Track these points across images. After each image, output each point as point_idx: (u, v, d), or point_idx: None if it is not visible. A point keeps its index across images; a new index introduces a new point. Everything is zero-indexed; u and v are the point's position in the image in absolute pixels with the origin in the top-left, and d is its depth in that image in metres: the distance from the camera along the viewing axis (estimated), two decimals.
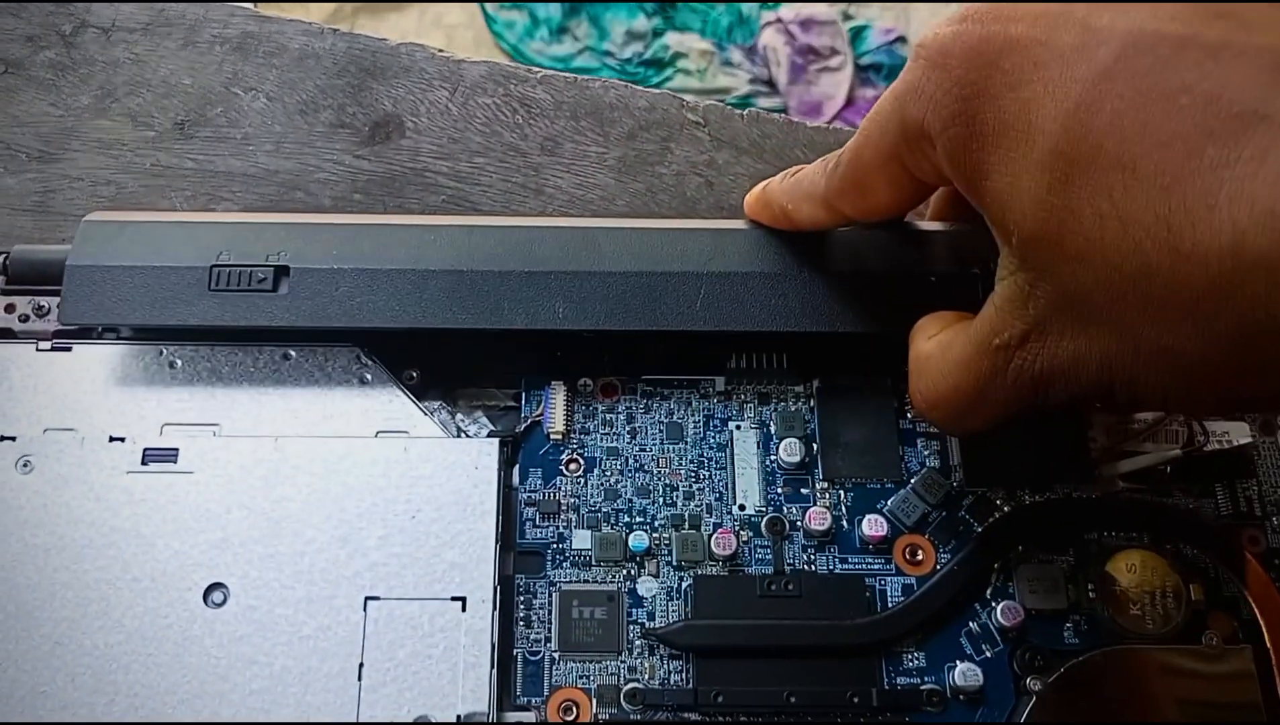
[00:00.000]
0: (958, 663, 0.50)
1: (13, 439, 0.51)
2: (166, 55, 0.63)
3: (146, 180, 0.60)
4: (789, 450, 0.53)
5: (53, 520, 0.50)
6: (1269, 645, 0.50)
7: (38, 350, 0.54)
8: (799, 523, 0.52)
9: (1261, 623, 0.51)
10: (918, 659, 0.50)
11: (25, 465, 0.51)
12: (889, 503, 0.53)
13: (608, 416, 0.54)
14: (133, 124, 0.61)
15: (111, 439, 0.51)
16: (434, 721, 0.47)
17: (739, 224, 0.54)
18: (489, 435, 0.54)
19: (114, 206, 0.59)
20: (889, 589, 0.52)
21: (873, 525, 0.52)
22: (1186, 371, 0.36)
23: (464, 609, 0.49)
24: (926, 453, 0.54)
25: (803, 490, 0.53)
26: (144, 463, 0.51)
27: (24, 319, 0.54)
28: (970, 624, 0.51)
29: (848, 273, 0.53)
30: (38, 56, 0.62)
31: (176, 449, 0.51)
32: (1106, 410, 0.40)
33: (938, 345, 0.46)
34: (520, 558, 0.52)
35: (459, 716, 0.47)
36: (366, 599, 0.49)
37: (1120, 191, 0.33)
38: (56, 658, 0.47)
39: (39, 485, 0.50)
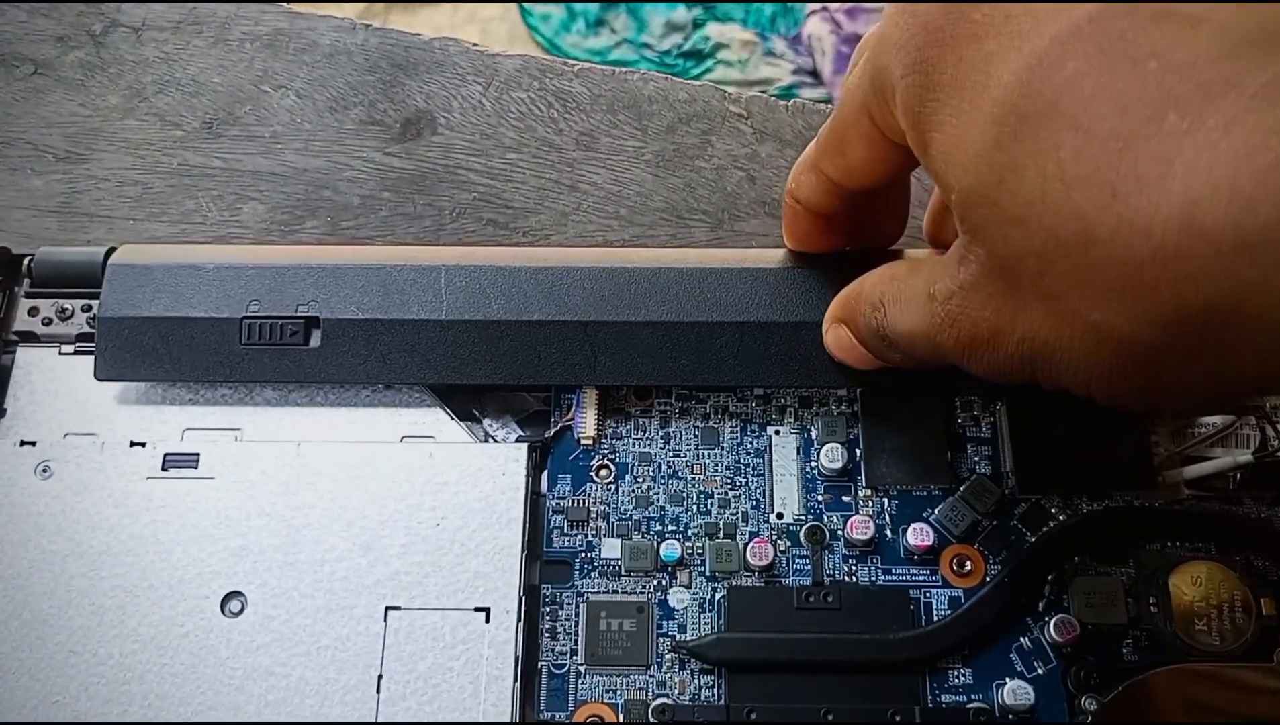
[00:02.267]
0: (1007, 680, 0.48)
1: (33, 444, 0.51)
2: (196, 53, 0.63)
3: (173, 180, 0.60)
4: (830, 456, 0.51)
5: (71, 526, 0.50)
6: None
7: (60, 354, 0.54)
8: (840, 532, 0.51)
9: None
10: (964, 676, 0.49)
11: (45, 471, 0.51)
12: (936, 511, 0.51)
13: (641, 421, 0.53)
14: (161, 123, 0.61)
15: (132, 444, 0.51)
16: None
17: (776, 258, 0.52)
18: (517, 440, 0.52)
19: (139, 206, 0.59)
20: (935, 602, 0.50)
21: (918, 534, 0.50)
22: (1114, 353, 0.33)
23: (487, 620, 0.48)
24: (976, 458, 0.52)
25: (844, 498, 0.52)
26: (164, 468, 0.51)
27: (47, 322, 0.54)
28: (1021, 639, 0.49)
29: None
30: (67, 57, 0.63)
31: (197, 454, 0.51)
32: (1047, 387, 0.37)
33: (892, 278, 0.44)
34: (547, 567, 0.51)
35: None
36: (387, 609, 0.48)
37: (1069, 152, 0.31)
38: (71, 666, 0.47)
39: (58, 491, 0.50)
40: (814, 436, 0.53)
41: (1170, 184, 0.28)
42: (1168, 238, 0.29)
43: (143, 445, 0.51)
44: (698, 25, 1.78)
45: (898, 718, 0.47)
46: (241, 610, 0.48)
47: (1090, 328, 0.33)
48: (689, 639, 0.49)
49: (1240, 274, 0.28)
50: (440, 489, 0.50)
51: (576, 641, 0.49)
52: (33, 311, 0.55)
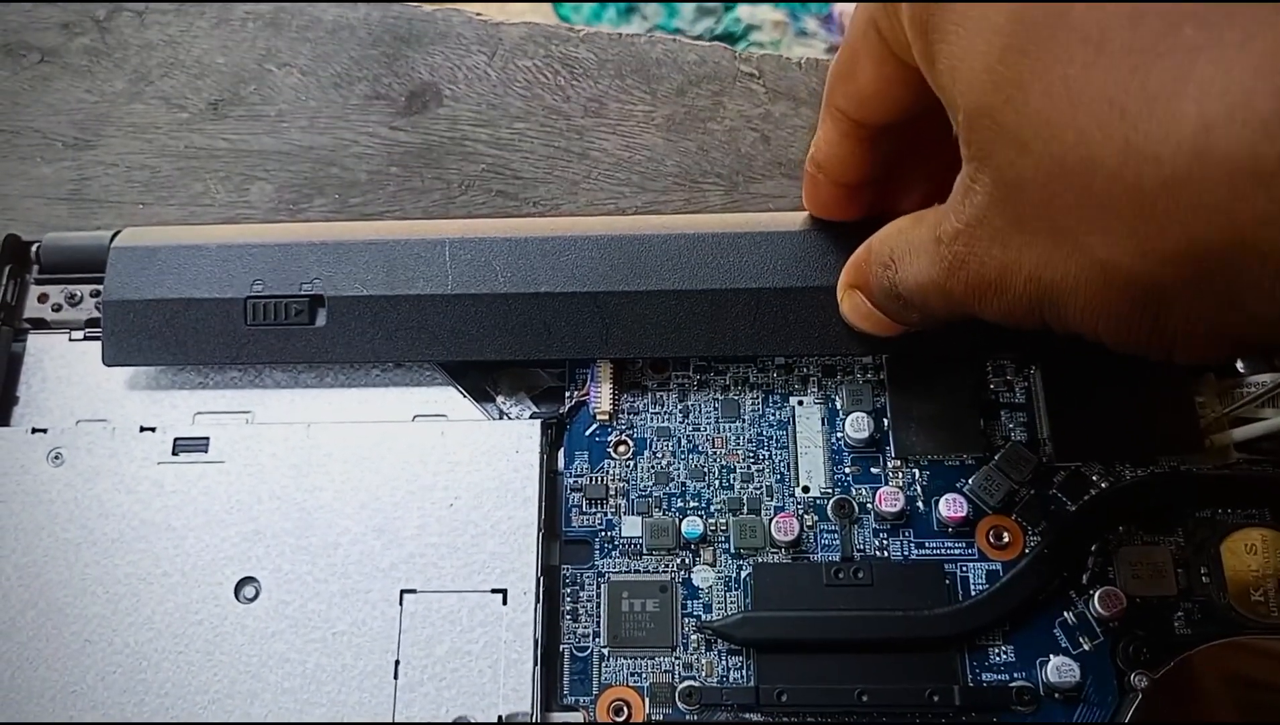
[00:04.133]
0: (1051, 657, 0.46)
1: (44, 431, 0.51)
2: (200, 35, 0.62)
3: (181, 163, 0.59)
4: (856, 426, 0.50)
5: (84, 514, 0.49)
6: None
7: (70, 340, 0.54)
8: (869, 504, 0.49)
9: None
10: (1005, 653, 0.47)
11: (57, 458, 0.50)
12: (970, 481, 0.50)
13: (659, 395, 0.52)
14: (167, 106, 0.61)
15: (142, 429, 0.51)
16: (474, 723, 0.45)
17: (794, 221, 0.51)
18: (531, 417, 0.52)
19: (148, 190, 0.58)
20: (971, 576, 0.48)
21: (951, 506, 0.48)
22: (1122, 292, 0.31)
23: (505, 602, 0.47)
24: (1011, 425, 0.51)
25: (873, 469, 0.50)
26: (175, 453, 0.51)
27: (56, 308, 0.54)
28: (1065, 614, 0.48)
29: None
30: (73, 43, 0.63)
31: (207, 438, 0.51)
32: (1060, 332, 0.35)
33: (899, 231, 0.42)
34: (566, 547, 0.50)
35: (501, 717, 0.45)
36: (403, 592, 0.48)
37: (1078, 68, 0.29)
38: (87, 655, 0.47)
39: (70, 478, 0.50)
40: (839, 406, 0.51)
41: (1183, 105, 0.26)
42: (1178, 165, 0.27)
43: (153, 430, 0.51)
44: (729, 8, 1.76)
45: (936, 698, 0.46)
46: (256, 596, 0.48)
47: (1096, 264, 0.31)
48: (715, 619, 0.48)
49: (1255, 207, 0.26)
50: (454, 468, 0.50)
51: (599, 623, 0.48)
52: (42, 298, 0.54)
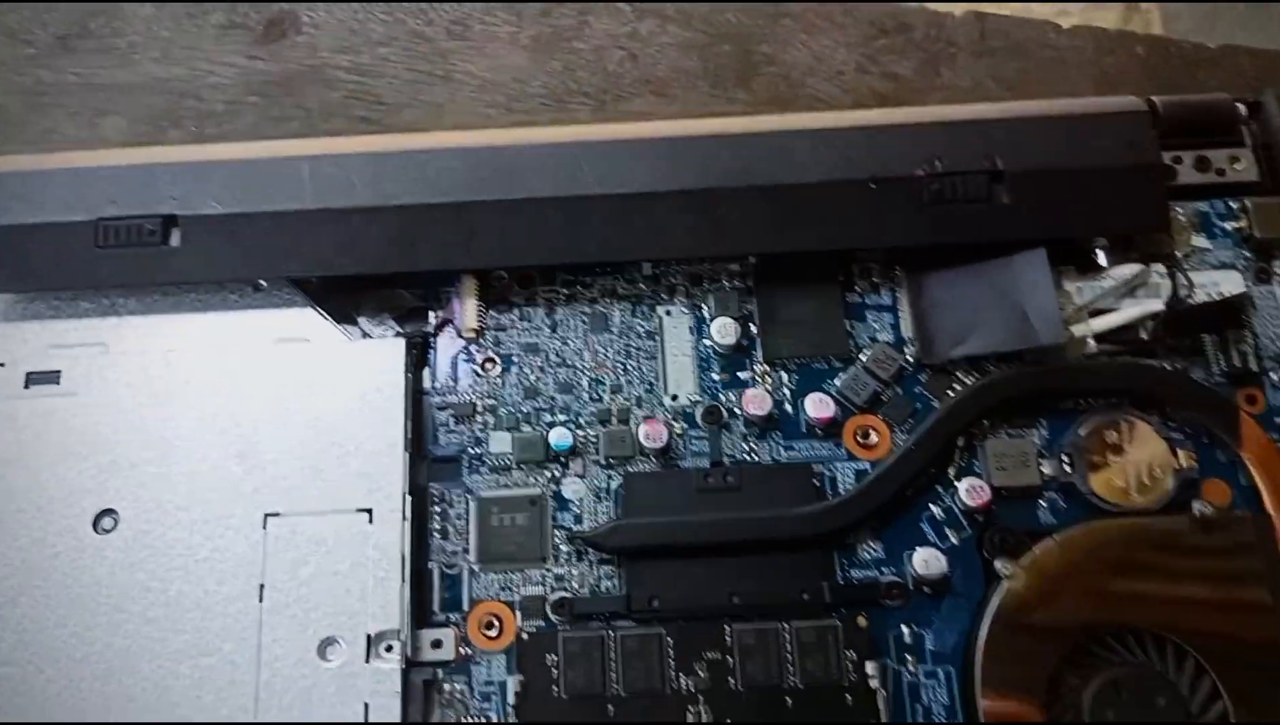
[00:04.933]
0: (918, 549, 0.46)
1: None
2: None
3: (29, 99, 0.58)
4: (723, 331, 0.50)
5: None
6: (1270, 511, 0.47)
7: None
8: (737, 409, 0.49)
9: (1261, 487, 0.47)
10: (874, 550, 0.48)
11: None
12: (837, 382, 0.50)
13: (526, 310, 0.52)
14: (11, 41, 0.59)
15: None
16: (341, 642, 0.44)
17: (657, 129, 0.51)
18: (395, 337, 0.51)
19: None
20: (840, 476, 0.49)
21: (818, 406, 0.49)
22: None
23: (371, 521, 0.47)
24: (878, 326, 0.51)
25: (740, 375, 0.50)
26: (26, 387, 0.49)
27: None
28: (932, 508, 0.48)
29: (780, 185, 0.49)
30: None
31: (59, 371, 0.49)
32: None
33: None
34: (434, 466, 0.49)
35: (369, 636, 0.45)
36: (266, 516, 0.47)
37: None
38: None
39: None
40: (706, 314, 0.51)
41: None
42: None
43: (2, 366, 0.50)
44: None
45: (806, 596, 0.46)
46: (114, 527, 0.47)
47: None
48: (585, 529, 0.48)
49: None
50: (316, 391, 0.49)
51: (468, 540, 0.48)
52: None
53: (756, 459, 0.49)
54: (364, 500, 0.47)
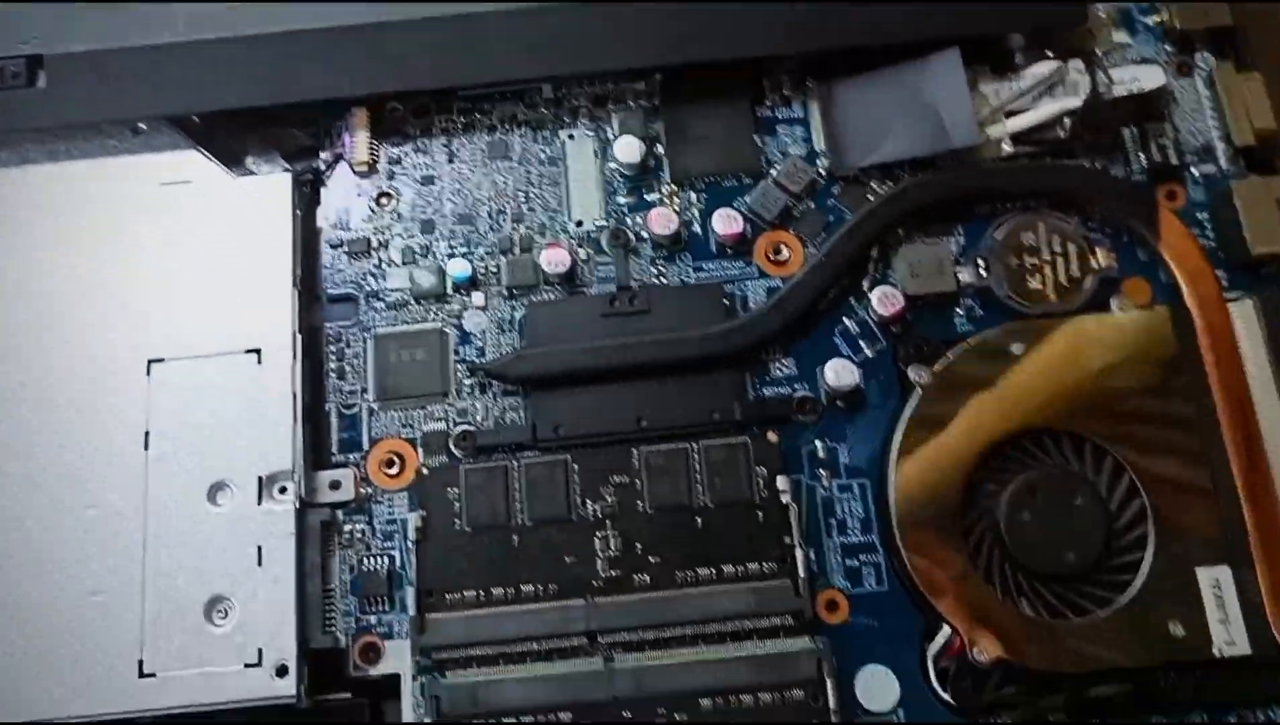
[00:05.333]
0: (829, 361, 0.45)
1: None
2: None
3: None
4: (627, 150, 0.48)
5: None
6: (1188, 303, 0.45)
7: None
8: (644, 232, 0.47)
9: (1180, 282, 0.46)
10: (787, 366, 0.46)
11: None
12: (747, 199, 0.48)
13: (422, 141, 0.49)
14: None
15: None
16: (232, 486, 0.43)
17: None
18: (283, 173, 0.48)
19: None
20: (751, 294, 0.47)
21: (726, 222, 0.47)
22: None
23: (260, 362, 0.45)
24: (789, 140, 0.49)
25: (648, 196, 0.48)
26: None
27: None
28: (846, 322, 0.47)
29: None
30: None
31: None
32: None
33: None
34: (330, 305, 0.47)
35: (261, 478, 0.43)
36: (150, 362, 0.45)
37: None
38: None
39: None
40: (611, 135, 0.49)
41: None
42: None
43: None
44: None
45: (716, 416, 0.45)
46: None
47: None
48: (488, 361, 0.46)
49: None
50: (200, 233, 0.47)
51: (366, 379, 0.46)
52: None
53: (665, 282, 0.47)
54: (252, 341, 0.45)
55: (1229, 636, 0.42)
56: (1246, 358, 0.45)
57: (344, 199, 0.49)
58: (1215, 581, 0.42)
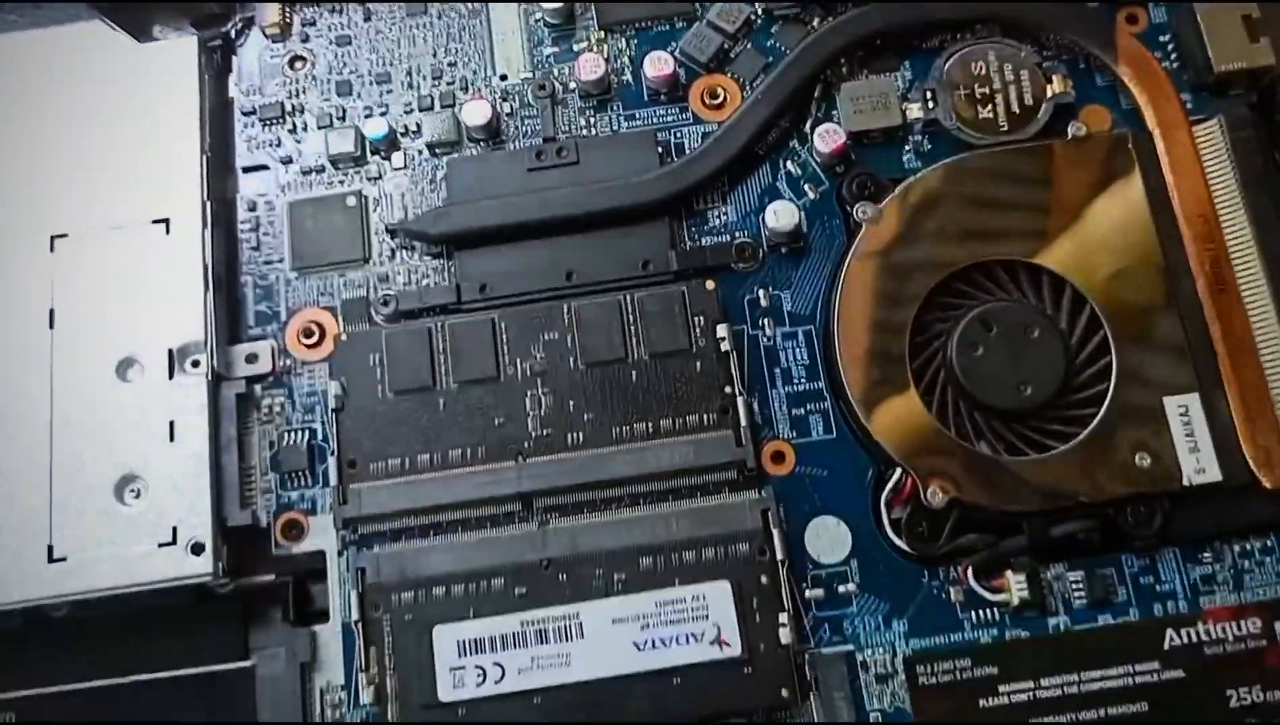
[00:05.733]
0: (770, 204, 0.42)
1: None
2: None
3: None
4: None
5: None
6: (1151, 128, 0.42)
7: None
8: (573, 84, 0.45)
9: (1141, 103, 0.43)
10: (725, 214, 0.44)
11: None
12: (679, 43, 0.45)
13: (336, 3, 0.47)
14: None
15: None
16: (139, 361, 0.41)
17: None
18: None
19: None
20: (686, 141, 0.44)
21: (657, 64, 0.44)
22: None
23: (168, 232, 0.42)
24: None
25: (576, 46, 0.46)
26: None
27: None
28: (788, 166, 0.44)
29: None
30: None
31: None
32: None
33: None
34: (244, 175, 0.45)
35: (171, 352, 0.41)
36: (54, 237, 0.42)
37: None
38: None
39: None
40: None
41: None
42: None
43: None
44: None
45: (651, 266, 0.42)
46: None
47: None
48: (407, 220, 0.43)
49: None
50: (104, 104, 0.44)
51: (284, 247, 0.44)
52: None
53: (595, 133, 0.45)
54: (159, 211, 0.43)
55: (1199, 464, 0.39)
56: (1212, 177, 0.42)
57: (256, 64, 0.46)
58: (1183, 409, 0.40)
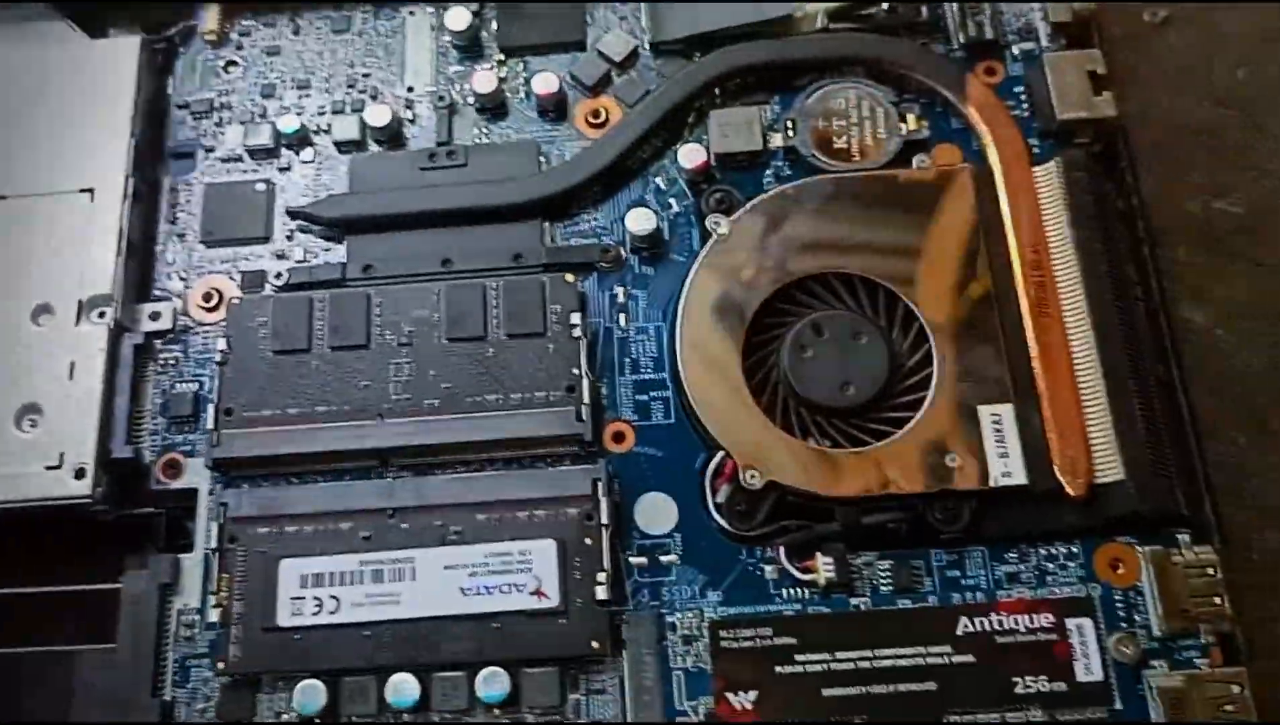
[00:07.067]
0: (633, 210, 0.47)
1: None
2: None
3: None
4: (456, 19, 0.51)
5: None
6: (994, 165, 0.47)
7: None
8: (470, 98, 0.50)
9: (986, 143, 0.48)
10: (594, 219, 0.48)
11: None
12: (568, 69, 0.50)
13: (270, 16, 0.53)
14: None
15: None
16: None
17: None
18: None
19: None
20: (568, 154, 0.50)
21: (543, 82, 0.50)
22: None
23: (92, 200, 0.48)
24: (621, 15, 0.52)
25: (478, 66, 0.51)
26: None
27: None
28: (656, 180, 0.49)
29: None
30: None
31: None
32: None
33: None
34: (173, 160, 0.50)
35: (81, 301, 0.46)
36: None
37: None
38: None
39: None
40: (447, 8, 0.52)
41: None
42: None
43: None
44: None
45: (519, 257, 0.47)
46: None
47: None
48: (305, 205, 0.49)
49: None
50: (51, 87, 0.50)
51: (197, 223, 0.49)
52: None
53: (486, 141, 0.50)
54: (87, 182, 0.48)
55: (1006, 468, 0.43)
56: (1047, 213, 0.46)
57: (194, 65, 0.52)
58: (997, 417, 0.43)
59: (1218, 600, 0.41)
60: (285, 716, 0.41)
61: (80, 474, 0.44)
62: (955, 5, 0.51)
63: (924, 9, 0.51)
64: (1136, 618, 0.41)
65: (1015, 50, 0.51)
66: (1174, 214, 0.50)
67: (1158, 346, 0.45)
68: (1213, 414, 0.46)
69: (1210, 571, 0.41)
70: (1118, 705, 0.40)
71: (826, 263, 0.46)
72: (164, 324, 0.47)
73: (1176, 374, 0.45)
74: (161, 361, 0.47)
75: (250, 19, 0.53)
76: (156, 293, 0.48)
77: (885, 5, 0.50)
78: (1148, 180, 0.48)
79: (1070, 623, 0.41)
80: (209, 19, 0.52)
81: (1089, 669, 0.41)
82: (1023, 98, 0.50)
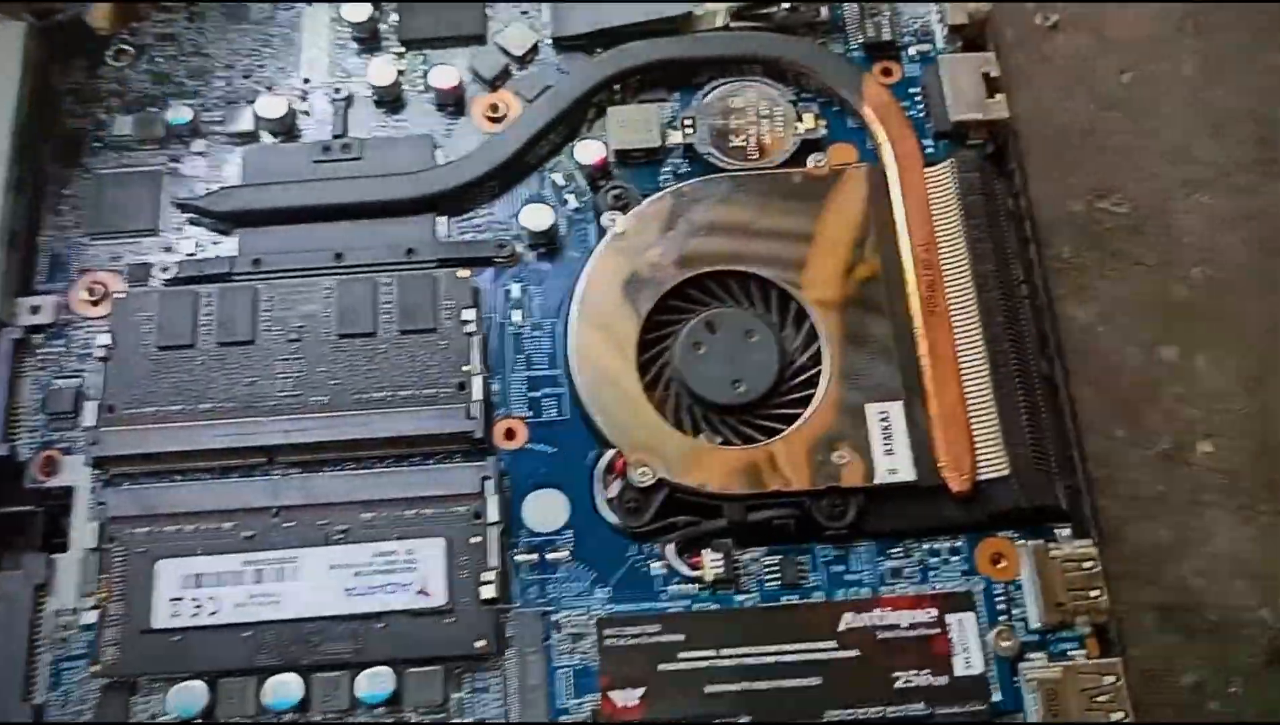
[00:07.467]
0: (528, 205, 0.47)
1: None
2: None
3: None
4: (354, 10, 0.50)
5: None
6: (888, 164, 0.48)
7: None
8: (368, 92, 0.50)
9: (881, 142, 0.48)
10: (490, 213, 0.48)
11: None
12: (469, 61, 0.50)
13: (165, 3, 0.52)
14: None
15: None
16: None
17: None
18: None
19: None
20: (465, 148, 0.49)
21: (441, 76, 0.49)
22: None
23: None
24: (525, 11, 0.52)
25: (376, 57, 0.51)
26: None
27: None
28: (554, 176, 0.49)
29: None
30: None
31: None
32: None
33: None
34: (57, 148, 0.49)
35: None
36: None
37: None
38: None
39: None
40: None
41: None
42: None
43: None
44: None
45: (411, 252, 0.47)
46: None
47: None
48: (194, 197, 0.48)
49: None
50: None
51: (81, 215, 0.48)
52: None
53: (385, 135, 0.49)
54: None
55: (892, 465, 0.43)
56: (938, 212, 0.47)
57: (83, 54, 0.51)
58: (884, 414, 0.44)
59: (1095, 593, 0.42)
60: (162, 719, 0.40)
61: None
62: (854, 6, 0.51)
63: (824, 9, 0.51)
64: (1015, 611, 0.42)
65: (912, 51, 0.51)
66: (1060, 213, 0.51)
67: (1042, 343, 0.46)
68: (1091, 408, 0.47)
69: (1088, 565, 0.42)
70: (996, 698, 0.41)
71: (722, 260, 0.46)
72: (45, 318, 0.46)
73: (1059, 370, 0.46)
74: (41, 357, 0.46)
75: (144, 4, 0.52)
76: (38, 286, 0.47)
77: (786, 5, 0.50)
78: (1035, 180, 0.49)
79: (951, 618, 0.42)
80: (101, 6, 0.51)
81: (969, 663, 0.41)
82: (918, 98, 0.50)
